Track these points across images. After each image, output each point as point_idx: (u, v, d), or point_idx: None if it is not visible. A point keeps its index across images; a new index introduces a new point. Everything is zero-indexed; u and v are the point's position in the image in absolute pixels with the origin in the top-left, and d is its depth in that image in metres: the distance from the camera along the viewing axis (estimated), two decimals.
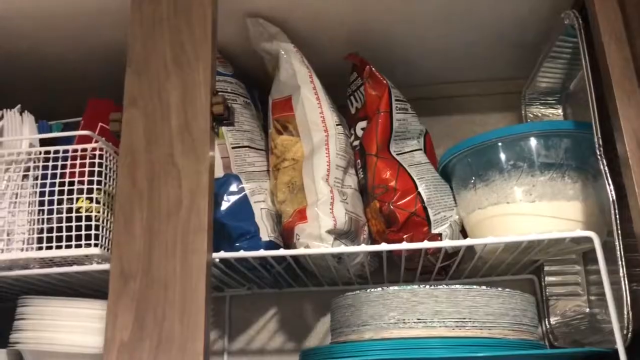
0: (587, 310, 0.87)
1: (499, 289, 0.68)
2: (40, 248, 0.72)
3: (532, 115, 0.97)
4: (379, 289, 0.69)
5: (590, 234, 0.65)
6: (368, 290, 0.69)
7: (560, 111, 0.95)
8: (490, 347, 0.64)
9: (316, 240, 0.72)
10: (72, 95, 0.89)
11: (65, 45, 0.85)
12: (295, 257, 0.79)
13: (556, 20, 0.77)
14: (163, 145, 0.59)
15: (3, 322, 0.83)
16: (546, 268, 0.90)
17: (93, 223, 0.72)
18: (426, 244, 0.69)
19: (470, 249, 0.77)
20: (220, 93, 0.63)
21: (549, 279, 0.90)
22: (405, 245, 0.70)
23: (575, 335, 0.83)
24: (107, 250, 0.73)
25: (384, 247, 0.70)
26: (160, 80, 0.62)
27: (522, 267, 0.88)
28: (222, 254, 0.69)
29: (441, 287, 0.66)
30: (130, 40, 0.63)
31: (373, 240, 0.80)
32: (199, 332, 0.53)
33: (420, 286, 0.67)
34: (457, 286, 0.67)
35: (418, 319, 0.66)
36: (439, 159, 0.85)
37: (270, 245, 0.77)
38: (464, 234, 0.79)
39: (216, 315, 0.96)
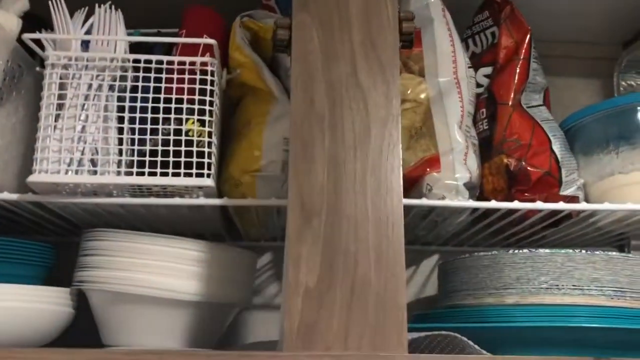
0: None
1: None
2: (140, 173, 0.60)
3: (625, 84, 0.93)
4: (525, 250, 0.63)
5: None
6: (511, 251, 0.63)
7: None
8: None
9: (453, 192, 0.65)
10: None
11: None
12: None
13: None
14: (344, 61, 0.50)
15: (60, 258, 0.71)
16: (633, 242, 0.88)
17: (205, 149, 0.61)
18: (607, 206, 0.66)
19: (590, 216, 0.72)
20: None
21: (635, 253, 0.88)
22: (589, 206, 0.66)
23: None
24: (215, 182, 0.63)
25: (564, 206, 0.65)
26: None
27: (609, 240, 0.85)
28: (416, 201, 0.61)
29: (598, 252, 0.61)
30: None
31: (482, 198, 0.74)
32: (400, 283, 0.45)
33: (575, 250, 0.62)
34: (614, 253, 0.62)
35: (574, 286, 0.60)
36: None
37: None
38: None
39: None
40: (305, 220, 0.46)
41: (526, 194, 0.70)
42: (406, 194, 0.69)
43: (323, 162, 0.47)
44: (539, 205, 0.64)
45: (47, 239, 0.77)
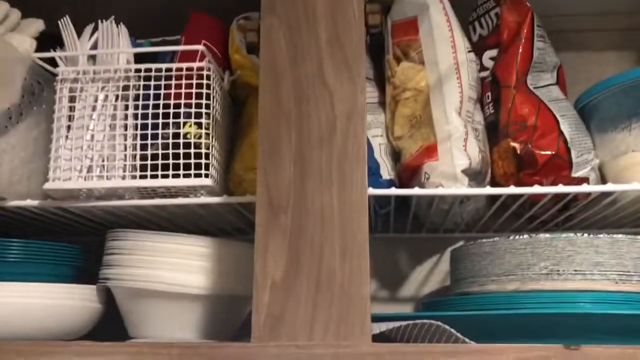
0: None
1: None
2: (143, 176, 0.64)
3: None
4: (525, 235, 0.61)
5: None
6: (511, 237, 0.62)
7: None
8: None
9: (451, 180, 0.65)
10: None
11: None
12: (406, 199, 0.72)
13: None
14: (311, 61, 0.51)
15: (88, 257, 0.77)
16: None
17: (203, 151, 0.64)
18: (611, 187, 0.63)
19: (605, 196, 0.69)
20: None
21: None
22: (588, 188, 0.64)
23: None
24: (216, 182, 0.66)
25: (567, 188, 0.63)
26: None
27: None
28: (383, 190, 0.62)
29: (601, 235, 0.59)
30: None
31: (495, 184, 0.72)
32: (364, 275, 0.46)
33: (577, 234, 0.60)
34: (620, 235, 0.59)
35: (575, 270, 0.58)
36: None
37: (392, 184, 0.69)
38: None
39: None
40: (273, 216, 0.48)
41: (535, 177, 0.68)
42: (409, 183, 0.70)
43: (290, 159, 0.49)
44: (514, 190, 0.63)
45: (81, 239, 0.83)
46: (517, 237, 0.62)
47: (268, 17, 0.52)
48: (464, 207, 0.73)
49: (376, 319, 0.55)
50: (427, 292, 0.88)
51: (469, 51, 0.70)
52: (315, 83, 0.50)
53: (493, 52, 0.73)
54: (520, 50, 0.69)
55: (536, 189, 0.63)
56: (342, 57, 0.51)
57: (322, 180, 0.48)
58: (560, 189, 0.62)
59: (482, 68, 0.74)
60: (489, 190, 0.64)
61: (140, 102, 0.65)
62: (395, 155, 0.73)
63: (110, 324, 0.73)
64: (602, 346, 0.46)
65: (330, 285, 0.46)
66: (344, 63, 0.51)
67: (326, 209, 0.48)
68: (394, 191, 0.64)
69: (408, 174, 0.69)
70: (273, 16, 0.52)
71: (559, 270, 0.59)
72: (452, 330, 0.51)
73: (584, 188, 0.63)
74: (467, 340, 0.51)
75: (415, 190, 0.64)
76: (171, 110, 0.65)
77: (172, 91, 0.65)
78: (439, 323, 0.52)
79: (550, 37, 0.78)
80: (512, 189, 0.63)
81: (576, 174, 0.68)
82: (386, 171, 0.70)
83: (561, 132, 0.68)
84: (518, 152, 0.68)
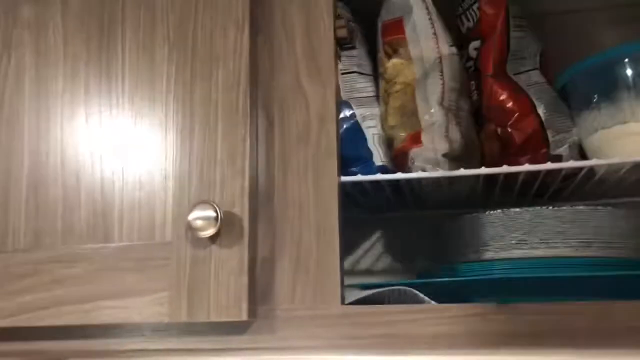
0: None
1: (624, 210, 0.66)
2: None
3: None
4: (499, 210, 0.69)
5: None
6: (488, 212, 0.70)
7: None
8: (616, 267, 0.63)
9: (432, 164, 0.73)
10: None
11: None
12: (405, 181, 0.80)
13: None
14: (289, 71, 0.61)
15: None
16: None
17: None
18: (552, 165, 0.69)
19: (590, 170, 0.74)
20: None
21: None
22: (537, 167, 0.69)
23: None
24: None
25: (522, 167, 0.69)
26: (283, 5, 0.62)
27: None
28: (353, 177, 0.71)
29: (565, 207, 0.66)
30: None
31: (485, 163, 0.79)
32: (334, 251, 0.56)
33: (543, 207, 0.67)
34: (582, 207, 0.66)
35: (540, 240, 0.66)
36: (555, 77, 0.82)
37: (383, 169, 0.78)
38: (582, 155, 0.77)
39: None
40: (261, 204, 0.58)
41: (516, 157, 0.75)
42: (401, 168, 0.78)
43: (274, 156, 0.59)
44: (484, 170, 0.69)
45: None
46: (492, 212, 0.69)
47: (253, 35, 0.62)
48: (456, 187, 0.80)
49: (365, 287, 0.65)
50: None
51: (451, 45, 0.77)
52: (293, 90, 0.60)
53: (477, 44, 0.80)
54: (497, 41, 0.76)
55: (505, 169, 0.69)
56: (315, 67, 0.60)
57: (299, 174, 0.58)
58: (526, 167, 0.69)
59: (469, 58, 0.81)
60: (461, 172, 0.71)
61: None
62: (390, 143, 0.81)
63: None
64: (529, 303, 0.53)
65: (307, 261, 0.56)
66: (317, 72, 0.60)
67: (303, 199, 0.58)
68: (361, 178, 0.71)
69: (399, 160, 0.78)
70: (257, 34, 0.62)
71: (526, 240, 0.66)
72: (419, 293, 0.60)
73: (547, 166, 0.69)
74: (430, 301, 0.59)
75: (377, 176, 0.72)
76: None
77: None
78: (408, 288, 0.60)
79: (553, 18, 0.86)
80: (483, 170, 0.70)
81: (555, 151, 0.74)
82: (379, 158, 0.78)
83: (537, 114, 0.74)
84: (499, 134, 0.75)
